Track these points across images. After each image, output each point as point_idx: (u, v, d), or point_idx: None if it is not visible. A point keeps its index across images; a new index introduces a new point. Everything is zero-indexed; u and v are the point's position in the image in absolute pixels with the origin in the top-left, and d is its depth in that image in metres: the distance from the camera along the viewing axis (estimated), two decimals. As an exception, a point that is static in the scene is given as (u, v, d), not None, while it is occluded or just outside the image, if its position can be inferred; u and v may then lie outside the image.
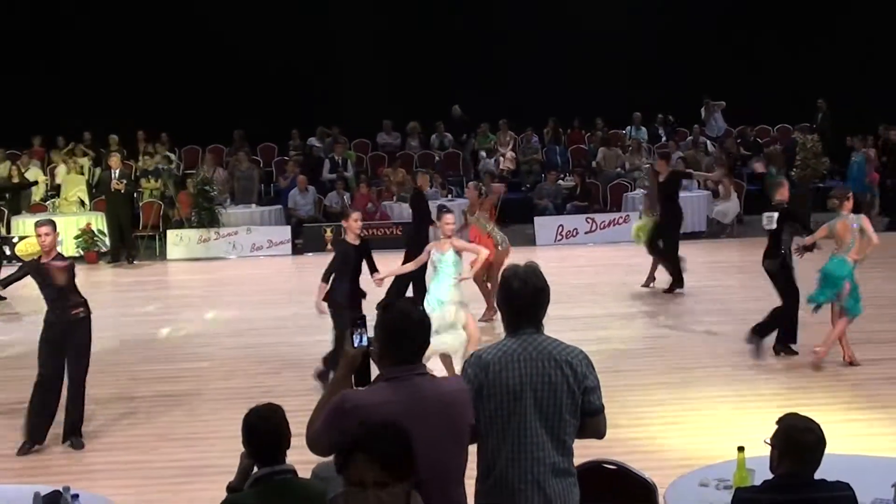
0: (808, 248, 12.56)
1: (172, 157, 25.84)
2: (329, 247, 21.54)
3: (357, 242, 11.78)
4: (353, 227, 11.78)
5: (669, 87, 26.05)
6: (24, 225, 21.23)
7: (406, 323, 4.80)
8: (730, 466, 6.15)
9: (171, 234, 21.95)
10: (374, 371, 4.92)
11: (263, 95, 25.84)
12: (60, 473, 9.22)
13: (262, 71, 25.79)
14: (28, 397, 10.17)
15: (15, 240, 19.51)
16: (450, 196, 23.04)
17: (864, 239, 12.13)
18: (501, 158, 25.80)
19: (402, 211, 21.79)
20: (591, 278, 17.31)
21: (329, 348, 11.41)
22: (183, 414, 11.17)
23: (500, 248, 14.86)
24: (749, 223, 23.08)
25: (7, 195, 22.63)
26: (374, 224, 21.85)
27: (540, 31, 26.48)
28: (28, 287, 10.92)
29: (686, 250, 20.27)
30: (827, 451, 5.13)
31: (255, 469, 5.29)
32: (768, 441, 5.25)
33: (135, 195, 22.52)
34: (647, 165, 21.79)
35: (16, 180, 22.91)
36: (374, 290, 11.96)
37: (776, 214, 12.55)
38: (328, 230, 21.86)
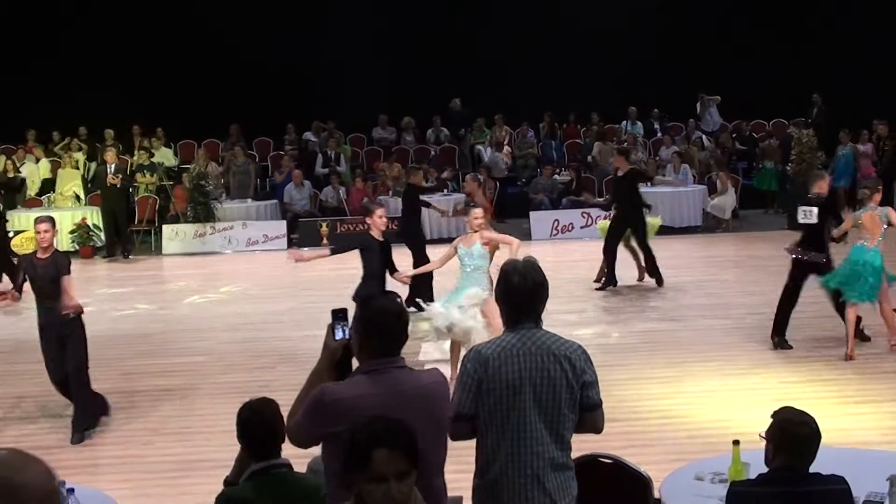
0: (837, 241, 12.51)
1: (169, 152, 25.84)
2: (325, 241, 21.59)
3: (381, 239, 11.63)
4: (378, 223, 11.64)
5: (665, 82, 26.04)
6: (19, 220, 21.25)
7: (384, 316, 4.80)
8: (725, 460, 6.16)
9: (167, 229, 21.95)
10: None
11: (259, 90, 25.82)
12: (56, 468, 9.20)
13: (258, 65, 25.76)
14: (24, 392, 10.19)
15: (11, 234, 19.52)
16: (445, 191, 23.02)
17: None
18: (494, 153, 25.79)
19: (398, 205, 21.69)
20: (587, 273, 17.29)
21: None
22: (179, 408, 11.17)
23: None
24: (745, 218, 23.14)
25: (1, 190, 22.61)
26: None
27: (535, 27, 26.49)
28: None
29: (682, 244, 20.39)
30: (821, 444, 5.14)
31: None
32: (763, 435, 5.25)
33: (130, 190, 22.51)
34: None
35: (11, 175, 22.88)
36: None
37: (815, 209, 12.44)
38: (324, 225, 21.87)
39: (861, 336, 12.56)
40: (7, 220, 19.82)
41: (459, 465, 5.40)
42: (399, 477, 3.74)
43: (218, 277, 19.30)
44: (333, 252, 11.98)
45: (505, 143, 26.03)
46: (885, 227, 12.15)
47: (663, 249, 20.11)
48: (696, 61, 26.09)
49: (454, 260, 11.85)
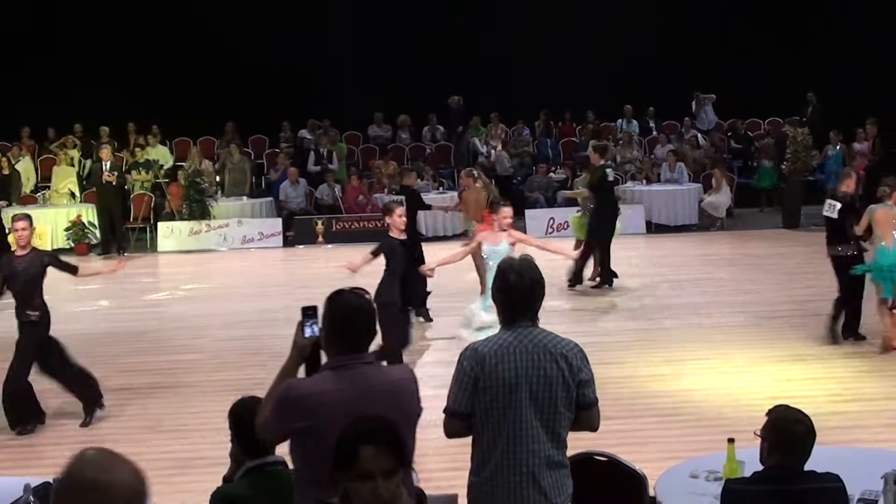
0: (863, 239, 12.49)
1: (165, 150, 25.82)
2: (320, 239, 21.60)
3: (403, 237, 11.48)
4: (398, 222, 11.50)
5: (660, 81, 26.03)
6: (11, 218, 21.23)
7: (351, 312, 4.80)
8: (720, 458, 6.16)
9: (162, 227, 21.93)
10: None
11: (255, 88, 25.78)
12: (51, 465, 9.21)
13: (254, 63, 25.72)
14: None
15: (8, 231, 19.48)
16: (441, 188, 23.04)
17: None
18: (493, 151, 25.79)
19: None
20: (585, 272, 17.30)
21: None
22: (174, 406, 11.17)
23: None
24: (740, 216, 23.15)
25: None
26: (364, 216, 21.90)
27: (531, 26, 26.48)
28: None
29: (677, 242, 20.40)
30: (816, 442, 5.15)
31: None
32: (758, 433, 5.26)
33: (125, 187, 22.49)
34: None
35: (6, 172, 22.85)
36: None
37: (838, 205, 12.45)
38: (319, 223, 21.87)
39: (856, 336, 12.61)
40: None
41: (455, 462, 5.42)
42: (386, 475, 3.74)
43: (213, 275, 19.30)
44: (373, 255, 11.94)
45: (500, 141, 26.01)
46: None
47: (658, 247, 20.20)
48: (691, 60, 26.09)
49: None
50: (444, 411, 5.25)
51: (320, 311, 4.87)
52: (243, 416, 5.33)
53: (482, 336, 10.74)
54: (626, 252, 18.04)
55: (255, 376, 11.81)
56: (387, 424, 3.89)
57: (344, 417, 4.26)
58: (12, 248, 17.28)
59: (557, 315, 14.01)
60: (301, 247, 21.56)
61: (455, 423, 5.23)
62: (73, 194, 22.97)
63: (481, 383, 5.13)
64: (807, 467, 5.11)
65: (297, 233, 21.97)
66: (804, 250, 19.21)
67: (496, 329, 10.41)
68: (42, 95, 25.20)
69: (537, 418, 5.14)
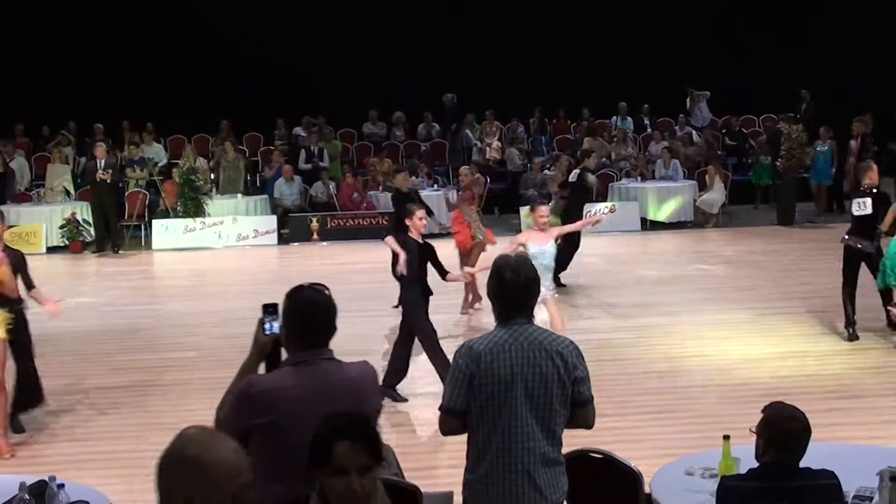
0: (888, 234, 12.51)
1: (159, 148, 25.79)
2: (315, 236, 21.58)
3: (421, 241, 11.22)
4: (418, 224, 11.17)
5: (655, 78, 26.06)
6: (8, 215, 21.14)
7: (311, 308, 4.80)
8: (715, 455, 6.16)
9: (157, 224, 21.90)
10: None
11: (250, 85, 25.78)
12: (45, 463, 9.21)
13: (249, 60, 25.72)
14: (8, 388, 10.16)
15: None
16: (436, 186, 23.03)
17: None
18: (487, 148, 25.79)
19: (388, 201, 21.76)
20: (576, 268, 17.31)
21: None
22: (169, 403, 11.15)
23: (475, 238, 14.91)
24: (734, 213, 23.17)
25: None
26: (359, 214, 21.90)
27: (526, 23, 26.52)
28: None
29: (672, 239, 20.42)
30: (811, 439, 5.15)
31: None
32: (753, 430, 5.27)
33: (120, 185, 22.47)
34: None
35: (0, 171, 22.81)
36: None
37: (869, 199, 12.45)
38: (314, 220, 21.85)
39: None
40: None
41: (450, 460, 5.42)
42: (361, 471, 3.74)
43: (208, 272, 19.28)
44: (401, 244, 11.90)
45: (495, 138, 26.03)
46: None
47: (653, 244, 20.19)
48: (686, 57, 26.13)
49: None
50: (440, 409, 5.25)
51: (281, 308, 4.87)
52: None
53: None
54: (622, 249, 18.04)
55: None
56: (362, 421, 3.90)
57: (304, 413, 4.26)
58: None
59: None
60: (296, 244, 21.55)
61: (450, 421, 5.23)
62: (67, 192, 22.91)
63: (477, 381, 5.12)
64: (802, 464, 5.12)
65: (291, 230, 21.96)
66: (799, 247, 19.26)
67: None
68: (37, 93, 25.18)
69: (533, 416, 5.14)
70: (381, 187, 22.56)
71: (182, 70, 25.57)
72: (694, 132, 26.16)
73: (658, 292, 16.00)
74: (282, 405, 4.56)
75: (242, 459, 3.08)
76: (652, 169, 23.70)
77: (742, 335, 13.16)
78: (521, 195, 22.91)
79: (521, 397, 5.12)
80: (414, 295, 11.03)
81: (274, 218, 22.20)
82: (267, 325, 4.90)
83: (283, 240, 21.83)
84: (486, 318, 12.40)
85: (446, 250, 13.55)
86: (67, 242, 21.25)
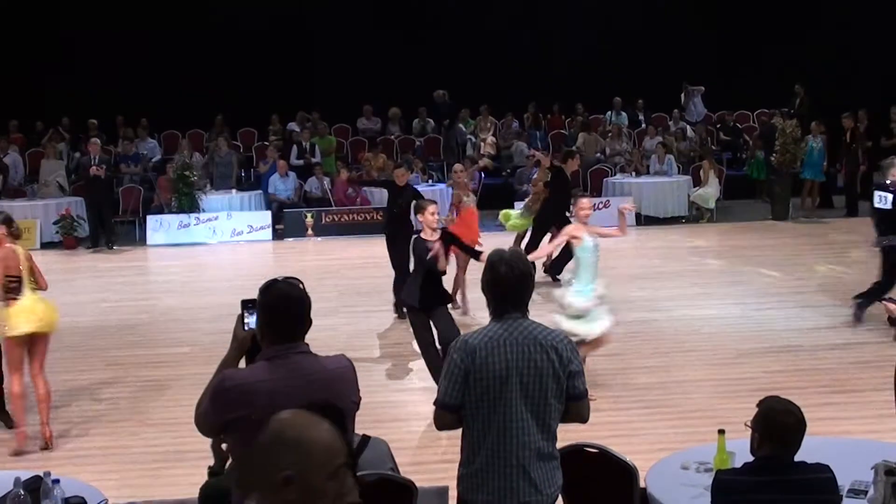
0: None
1: (153, 143, 25.78)
2: (309, 231, 21.57)
3: (434, 238, 10.82)
4: (430, 220, 10.84)
5: (650, 73, 26.06)
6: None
7: (285, 302, 4.78)
8: (710, 449, 6.17)
9: (151, 220, 21.87)
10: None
11: (244, 80, 25.74)
12: (40, 459, 9.21)
13: (243, 55, 25.70)
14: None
15: None
16: (430, 181, 23.02)
17: None
18: (482, 143, 25.79)
19: (383, 196, 21.67)
20: (572, 263, 17.29)
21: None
22: (163, 399, 11.16)
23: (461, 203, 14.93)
24: (729, 208, 23.17)
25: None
26: (353, 209, 21.89)
27: (521, 18, 26.51)
28: None
29: (666, 234, 20.44)
30: (806, 433, 5.16)
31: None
32: (748, 424, 5.27)
33: (114, 180, 22.45)
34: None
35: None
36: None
37: (890, 195, 12.44)
38: (308, 215, 21.83)
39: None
40: None
41: (446, 454, 5.42)
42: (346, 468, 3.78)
43: (202, 268, 19.27)
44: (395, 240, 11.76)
45: (490, 133, 26.04)
46: None
47: (648, 239, 20.18)
48: (681, 52, 26.12)
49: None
50: (434, 403, 5.25)
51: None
52: None
53: (579, 325, 10.47)
54: (618, 245, 18.02)
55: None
56: (336, 413, 3.91)
57: (279, 407, 4.25)
58: None
59: (548, 306, 14.00)
60: (290, 240, 21.54)
61: (445, 416, 5.23)
62: (61, 187, 22.88)
63: (472, 375, 5.12)
64: (797, 458, 5.12)
65: (286, 226, 21.94)
66: (793, 242, 19.28)
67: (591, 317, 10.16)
68: (30, 88, 25.14)
69: (528, 410, 5.14)
70: (376, 182, 22.51)
71: (176, 65, 25.52)
72: (688, 127, 26.16)
73: (652, 287, 16.00)
74: (256, 399, 4.54)
75: (338, 439, 3.22)
76: (646, 164, 23.71)
77: (736, 329, 13.18)
78: (515, 190, 22.91)
79: (516, 391, 5.12)
80: (413, 291, 10.70)
81: (268, 213, 22.19)
82: (247, 321, 4.91)
83: (277, 235, 21.81)
84: (481, 312, 12.38)
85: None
86: (62, 238, 21.22)
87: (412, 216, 15.38)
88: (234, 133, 26.42)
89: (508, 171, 25.03)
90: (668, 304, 14.88)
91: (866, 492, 5.69)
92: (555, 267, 15.97)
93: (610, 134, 25.42)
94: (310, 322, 4.84)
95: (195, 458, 8.60)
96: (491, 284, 5.31)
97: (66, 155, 24.47)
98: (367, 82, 26.00)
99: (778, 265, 17.20)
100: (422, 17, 26.51)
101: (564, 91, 26.85)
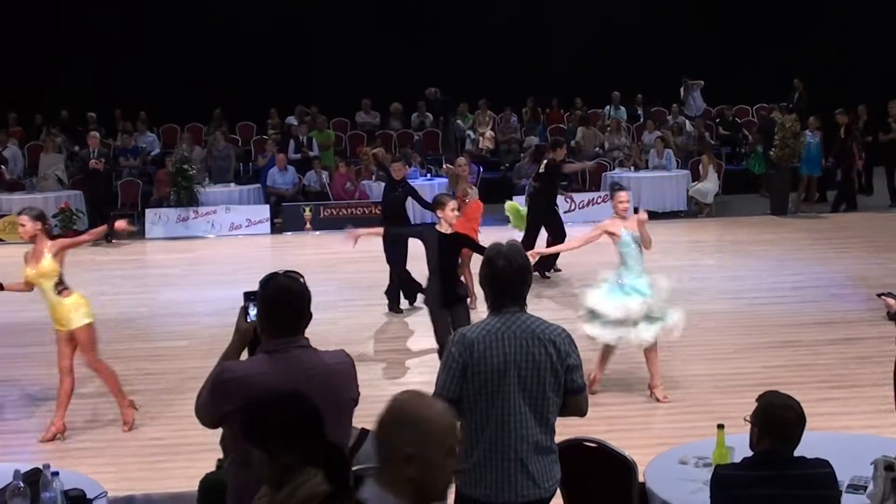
0: None
1: (152, 136, 25.77)
2: (308, 226, 21.57)
3: (449, 232, 10.52)
4: (450, 216, 10.46)
5: (649, 67, 26.06)
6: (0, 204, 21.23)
7: (285, 295, 4.78)
8: (709, 444, 6.17)
9: (150, 213, 21.87)
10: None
11: (242, 74, 25.75)
12: (39, 451, 9.21)
13: (242, 49, 25.71)
14: (4, 377, 10.16)
15: None
16: (429, 175, 23.01)
17: None
18: (481, 138, 25.79)
19: (381, 190, 21.73)
20: (570, 257, 17.26)
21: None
22: (162, 392, 11.16)
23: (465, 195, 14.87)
24: (728, 202, 23.16)
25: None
26: (352, 203, 21.87)
27: (520, 12, 26.51)
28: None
29: (665, 229, 20.37)
30: (805, 428, 5.16)
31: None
32: (748, 419, 5.27)
33: (113, 174, 22.43)
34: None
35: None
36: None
37: None
38: (307, 209, 21.83)
39: None
40: None
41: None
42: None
43: (201, 262, 19.26)
44: (388, 233, 11.76)
45: (488, 128, 26.03)
46: None
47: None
48: (680, 46, 26.13)
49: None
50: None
51: None
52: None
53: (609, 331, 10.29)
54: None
55: (244, 363, 11.81)
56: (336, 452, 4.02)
57: None
58: None
59: (546, 301, 14.01)
60: (289, 233, 21.53)
61: (444, 410, 5.22)
62: (60, 181, 22.86)
63: (470, 369, 5.13)
64: (796, 453, 5.13)
65: (284, 220, 21.94)
66: (792, 237, 19.26)
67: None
68: (29, 82, 25.12)
69: (526, 404, 5.14)
70: (374, 177, 22.49)
71: (175, 59, 25.52)
72: (687, 122, 26.15)
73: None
74: (255, 393, 4.54)
75: (454, 418, 3.43)
76: (645, 159, 23.69)
77: (735, 324, 13.18)
78: (513, 184, 22.90)
79: (514, 385, 5.12)
80: (433, 291, 10.37)
81: (267, 207, 22.17)
82: (250, 312, 4.91)
83: (276, 229, 21.80)
84: (479, 306, 12.36)
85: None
86: (61, 231, 21.19)
87: (408, 211, 15.42)
88: (233, 127, 26.43)
89: (507, 164, 25.02)
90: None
91: (866, 487, 5.69)
92: (544, 263, 15.97)
93: (609, 128, 25.40)
94: (310, 316, 4.84)
95: (194, 451, 8.62)
96: (489, 278, 5.31)
97: (64, 148, 24.42)
98: (365, 76, 26.00)
99: (777, 260, 17.19)
100: (421, 12, 26.52)
101: (563, 86, 26.84)
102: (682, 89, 27.33)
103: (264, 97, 26.09)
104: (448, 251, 10.45)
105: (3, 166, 22.82)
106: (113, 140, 24.78)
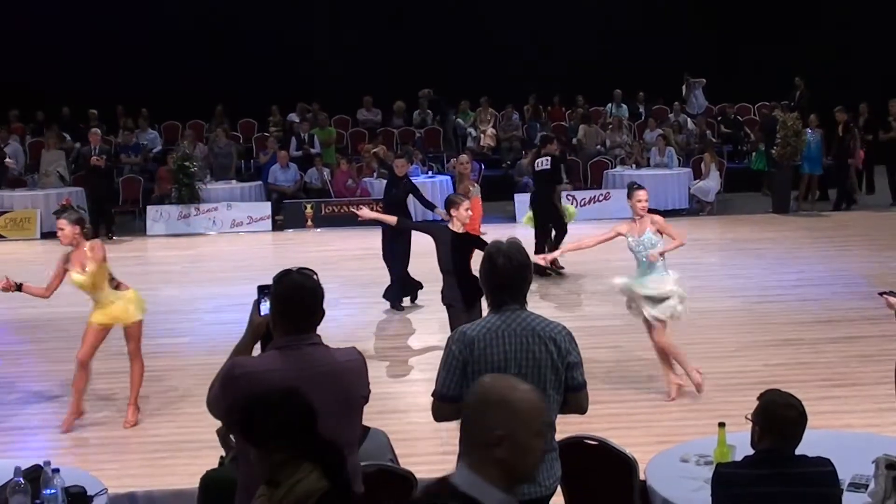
0: None
1: (154, 133, 25.77)
2: (309, 223, 21.57)
3: (461, 232, 10.39)
4: (463, 216, 10.36)
5: (650, 65, 26.05)
6: (2, 201, 21.22)
7: (298, 293, 4.80)
8: (710, 442, 6.17)
9: (151, 210, 21.87)
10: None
11: (244, 71, 25.75)
12: (41, 448, 9.20)
13: (244, 46, 25.70)
14: (8, 373, 10.15)
15: None
16: (430, 172, 23.01)
17: None
18: (482, 136, 25.79)
19: (383, 187, 21.72)
20: (571, 255, 17.26)
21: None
22: (163, 389, 11.15)
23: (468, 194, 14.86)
24: (729, 200, 23.15)
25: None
26: (353, 200, 21.86)
27: (521, 9, 26.49)
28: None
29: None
30: (807, 427, 5.16)
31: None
32: (749, 417, 5.27)
33: (114, 171, 22.44)
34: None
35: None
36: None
37: None
38: (308, 206, 21.83)
39: None
40: None
41: (446, 446, 5.40)
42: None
43: (202, 259, 19.26)
44: (399, 223, 11.78)
45: (489, 125, 26.03)
46: None
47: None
48: (682, 44, 26.13)
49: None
50: (433, 395, 5.25)
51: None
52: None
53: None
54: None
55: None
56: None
57: None
58: None
59: (547, 300, 14.00)
60: (290, 231, 21.53)
61: (444, 408, 5.22)
62: (62, 177, 22.86)
63: (470, 367, 5.12)
64: (798, 451, 5.12)
65: (286, 217, 21.95)
66: (794, 235, 19.25)
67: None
68: (30, 78, 25.12)
69: (527, 402, 5.13)
70: (375, 174, 22.49)
71: (177, 55, 25.53)
72: (688, 120, 26.14)
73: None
74: (265, 389, 4.55)
75: (539, 398, 3.50)
76: (647, 157, 23.68)
77: (737, 322, 13.17)
78: (515, 182, 22.91)
79: (514, 383, 5.11)
80: (452, 291, 10.22)
81: (268, 204, 22.19)
82: (263, 306, 4.90)
83: (277, 226, 21.81)
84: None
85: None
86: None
87: (411, 208, 15.39)
88: (235, 124, 26.44)
89: (508, 162, 25.01)
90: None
91: (867, 485, 5.69)
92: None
93: (610, 126, 25.39)
94: (322, 313, 4.85)
95: (195, 448, 8.63)
96: (489, 276, 5.30)
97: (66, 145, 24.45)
98: (367, 73, 26.00)
99: (778, 258, 17.19)
100: (422, 9, 26.48)
101: (565, 83, 26.83)
102: (683, 87, 27.34)
103: (266, 94, 26.10)
104: (461, 251, 10.40)
105: (9, 159, 22.78)
106: (114, 137, 24.79)
